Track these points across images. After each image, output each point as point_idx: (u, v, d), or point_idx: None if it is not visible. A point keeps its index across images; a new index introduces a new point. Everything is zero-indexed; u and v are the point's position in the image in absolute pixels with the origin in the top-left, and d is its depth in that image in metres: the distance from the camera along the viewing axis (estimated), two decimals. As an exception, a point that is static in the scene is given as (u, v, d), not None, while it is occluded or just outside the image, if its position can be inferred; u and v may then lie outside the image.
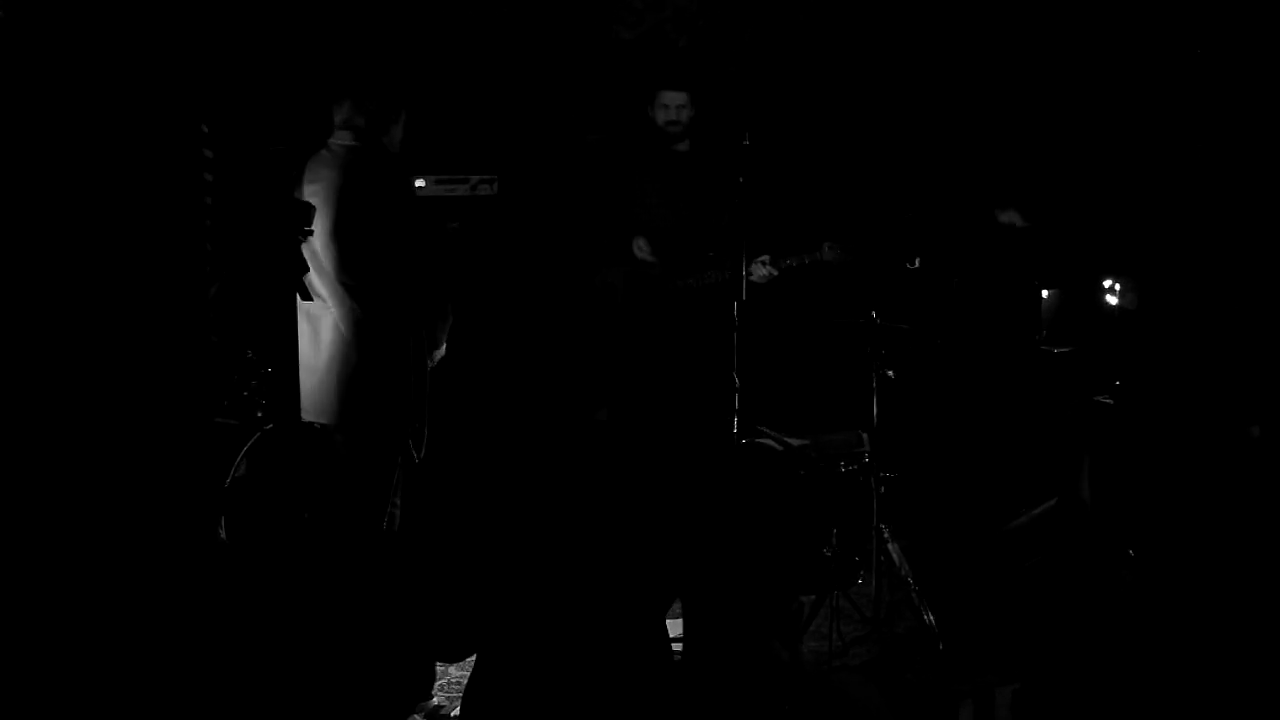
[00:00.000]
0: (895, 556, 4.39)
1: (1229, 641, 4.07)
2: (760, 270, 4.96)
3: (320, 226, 4.20)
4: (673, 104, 5.13)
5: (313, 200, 4.18)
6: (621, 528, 2.08)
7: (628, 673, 1.97)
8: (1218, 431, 4.79)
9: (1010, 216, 5.43)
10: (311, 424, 4.17)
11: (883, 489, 4.38)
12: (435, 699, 3.90)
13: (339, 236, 4.19)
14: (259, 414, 4.10)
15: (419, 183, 5.33)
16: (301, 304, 4.21)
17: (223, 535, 3.87)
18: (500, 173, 5.61)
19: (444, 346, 4.43)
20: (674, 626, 4.44)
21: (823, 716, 2.02)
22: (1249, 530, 4.50)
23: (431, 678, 3.63)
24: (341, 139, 4.29)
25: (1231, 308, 5.07)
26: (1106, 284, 5.43)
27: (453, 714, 3.78)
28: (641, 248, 5.19)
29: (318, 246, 4.22)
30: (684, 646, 3.57)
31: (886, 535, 4.39)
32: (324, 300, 4.24)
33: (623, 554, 2.04)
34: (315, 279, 4.21)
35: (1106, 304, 5.43)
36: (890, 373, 4.39)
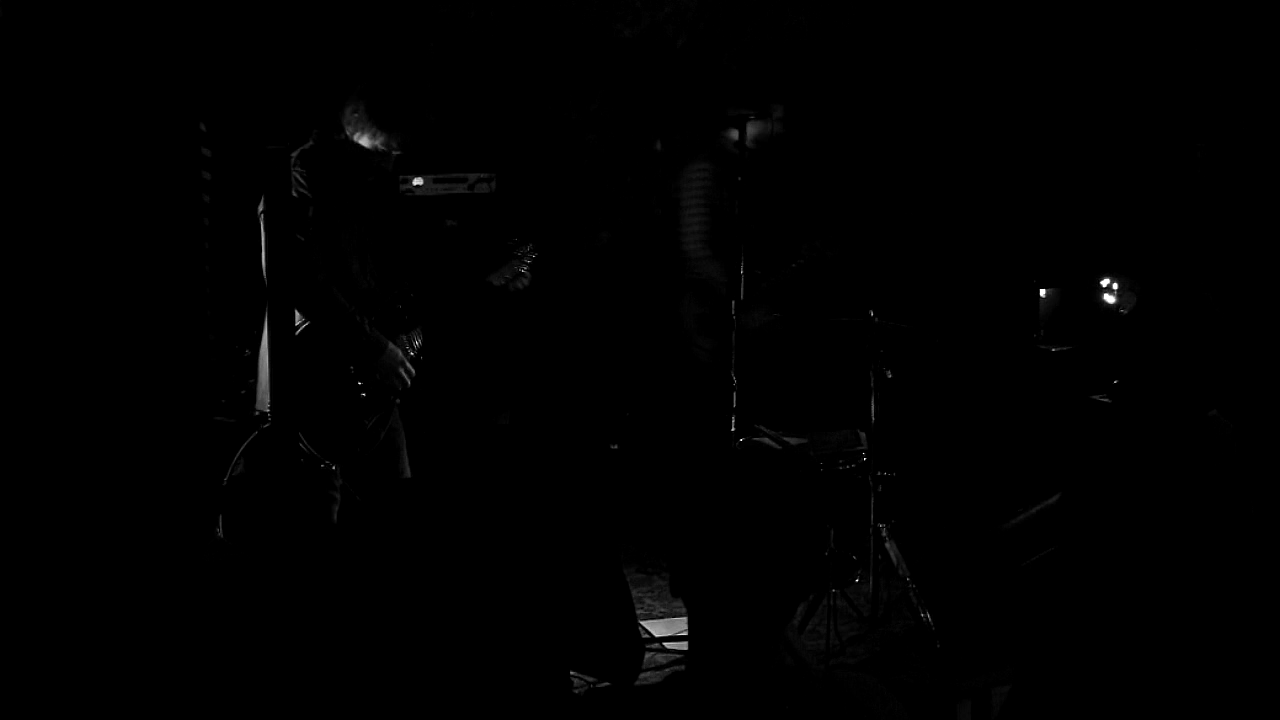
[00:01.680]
0: (893, 555, 4.39)
1: (1227, 640, 4.07)
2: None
3: None
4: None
5: None
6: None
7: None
8: (1215, 433, 4.79)
9: None
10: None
11: (880, 488, 4.39)
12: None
13: None
14: (256, 413, 4.09)
15: (417, 181, 5.32)
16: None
17: (220, 534, 3.87)
18: (498, 171, 5.61)
19: (396, 357, 4.02)
20: (655, 626, 4.46)
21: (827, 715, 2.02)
22: (1245, 529, 4.50)
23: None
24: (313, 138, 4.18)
25: (1230, 308, 5.07)
26: (1104, 283, 5.43)
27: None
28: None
29: None
30: (689, 652, 3.57)
31: (884, 534, 4.39)
32: None
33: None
34: None
35: (1105, 303, 5.43)
36: (888, 372, 4.39)
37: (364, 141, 3.89)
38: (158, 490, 3.01)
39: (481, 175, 5.53)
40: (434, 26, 5.78)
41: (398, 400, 4.11)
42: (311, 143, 3.98)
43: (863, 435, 4.54)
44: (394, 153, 3.94)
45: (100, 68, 2.97)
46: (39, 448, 2.89)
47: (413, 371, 4.06)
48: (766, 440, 4.57)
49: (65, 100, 2.93)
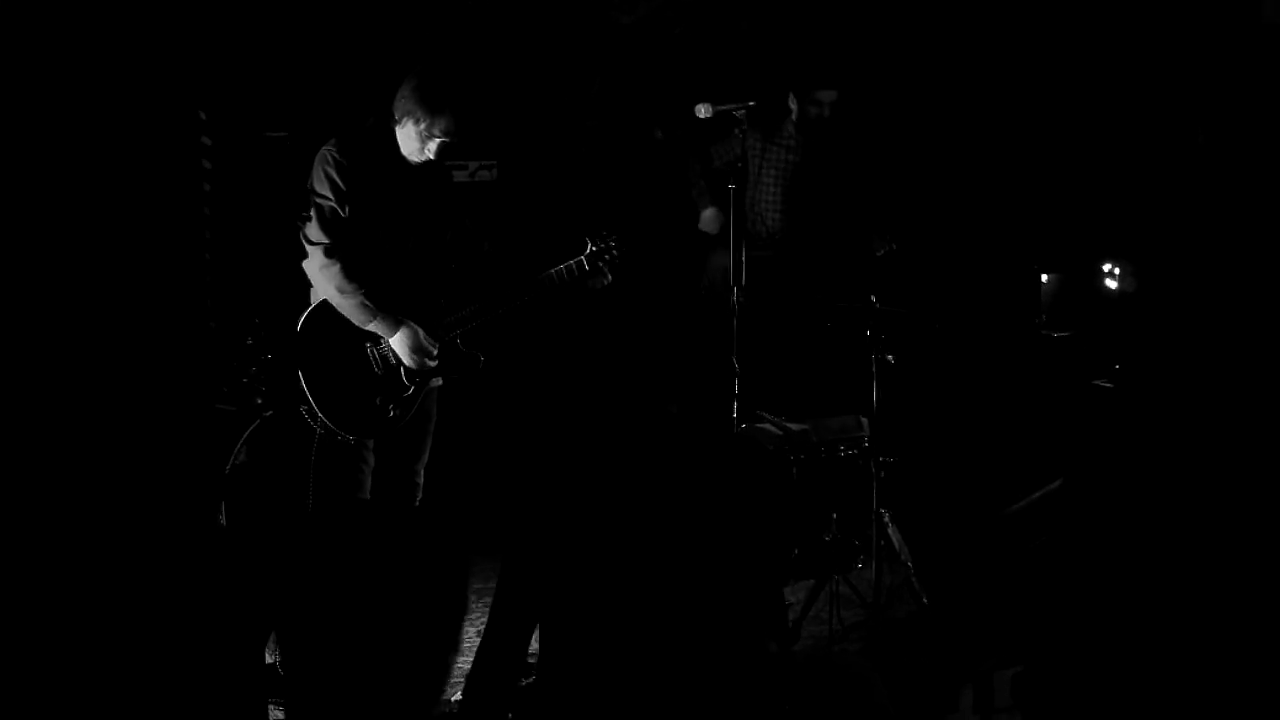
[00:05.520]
0: (895, 541, 4.40)
1: (1230, 628, 4.07)
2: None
3: None
4: (826, 100, 5.52)
5: None
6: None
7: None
8: (1217, 416, 4.79)
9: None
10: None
11: (883, 473, 4.39)
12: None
13: None
14: (258, 400, 4.09)
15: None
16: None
17: (223, 522, 3.87)
18: (499, 158, 5.59)
19: (411, 340, 3.98)
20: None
21: (814, 700, 2.02)
22: (1249, 517, 4.51)
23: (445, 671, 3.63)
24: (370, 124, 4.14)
25: (1230, 292, 5.07)
26: (1106, 268, 5.43)
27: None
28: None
29: None
30: (676, 643, 3.57)
31: (886, 520, 4.39)
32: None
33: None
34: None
35: (1106, 288, 5.43)
36: (890, 357, 4.38)
37: (412, 126, 3.88)
38: (160, 478, 3.01)
39: (483, 162, 5.53)
40: (432, 12, 5.77)
41: (437, 382, 4.13)
42: (354, 128, 3.97)
43: (865, 421, 4.53)
44: (442, 139, 3.89)
45: (99, 56, 2.96)
46: (39, 437, 2.89)
47: (434, 353, 4.00)
48: (768, 426, 4.57)
49: (63, 88, 2.92)
